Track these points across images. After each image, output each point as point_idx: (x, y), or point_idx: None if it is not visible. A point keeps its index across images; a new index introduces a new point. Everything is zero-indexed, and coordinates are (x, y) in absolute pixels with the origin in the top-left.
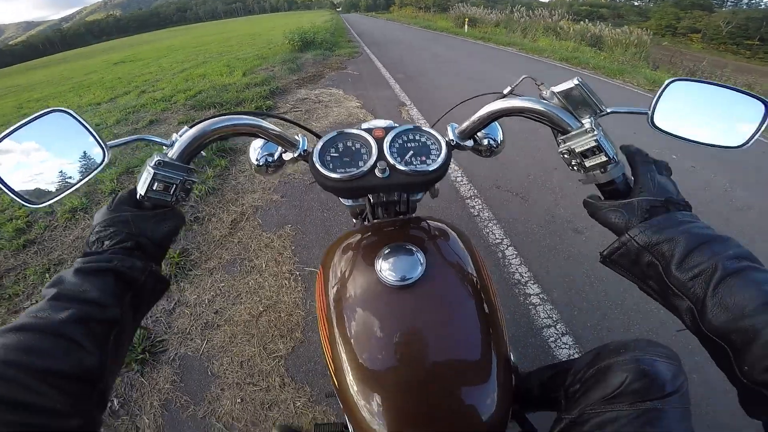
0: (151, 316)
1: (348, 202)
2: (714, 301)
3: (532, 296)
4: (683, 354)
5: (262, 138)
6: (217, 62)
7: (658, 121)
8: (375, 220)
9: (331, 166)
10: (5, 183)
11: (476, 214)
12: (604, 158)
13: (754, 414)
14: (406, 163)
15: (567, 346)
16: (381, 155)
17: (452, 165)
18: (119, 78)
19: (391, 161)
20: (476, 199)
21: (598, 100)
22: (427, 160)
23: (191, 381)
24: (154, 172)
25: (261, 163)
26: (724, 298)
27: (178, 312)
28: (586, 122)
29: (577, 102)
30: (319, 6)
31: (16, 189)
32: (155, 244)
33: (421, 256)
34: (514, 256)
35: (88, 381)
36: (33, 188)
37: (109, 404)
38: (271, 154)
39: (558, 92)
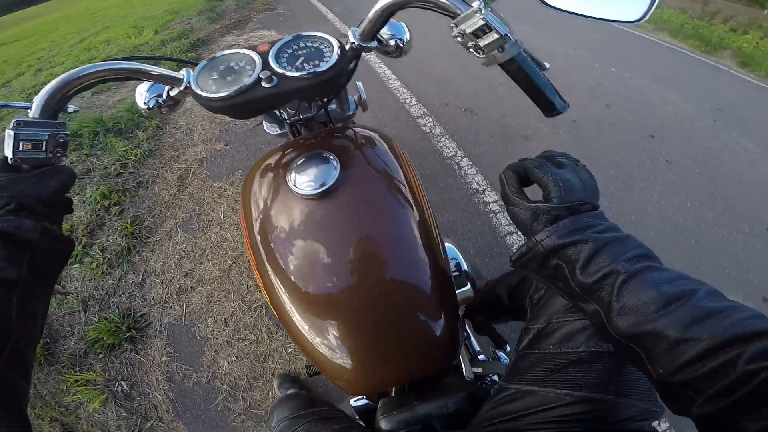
0: (123, 293)
1: (274, 131)
2: (618, 305)
3: (491, 203)
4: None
5: (144, 80)
6: (121, 25)
7: None
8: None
9: (214, 88)
10: None
11: (428, 131)
12: (495, 36)
13: (679, 411)
14: (297, 69)
15: None
16: (266, 66)
17: (400, 87)
18: (5, 61)
19: (278, 69)
20: (427, 117)
21: None
22: (321, 63)
23: (184, 349)
24: (14, 133)
25: (150, 106)
26: (627, 301)
27: (149, 282)
28: (475, 3)
29: None
30: None
31: None
32: (43, 203)
33: (336, 162)
34: (469, 166)
35: None
36: None
37: (120, 390)
38: (159, 95)
39: None
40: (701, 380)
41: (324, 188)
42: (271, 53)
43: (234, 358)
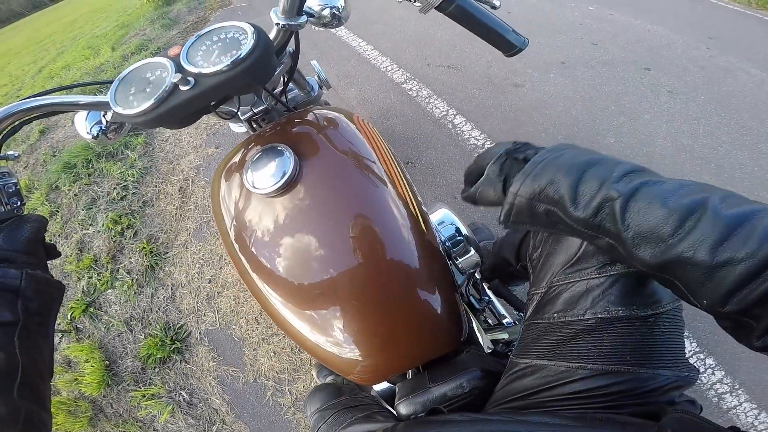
0: (159, 308)
1: (240, 129)
2: (630, 235)
3: None
4: None
5: (77, 111)
6: (74, 48)
7: None
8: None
9: (135, 104)
10: None
11: (415, 95)
12: None
13: (744, 341)
14: (214, 64)
15: None
16: (179, 69)
17: (378, 56)
18: None
19: (194, 69)
20: (411, 82)
21: None
22: (239, 51)
23: (226, 351)
24: None
25: (95, 134)
26: (637, 228)
27: (179, 295)
28: None
29: None
30: None
31: None
32: (21, 252)
33: (290, 153)
34: (464, 122)
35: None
36: None
37: (181, 399)
38: (99, 122)
39: None
40: (756, 306)
41: (281, 183)
42: (182, 55)
43: (272, 354)
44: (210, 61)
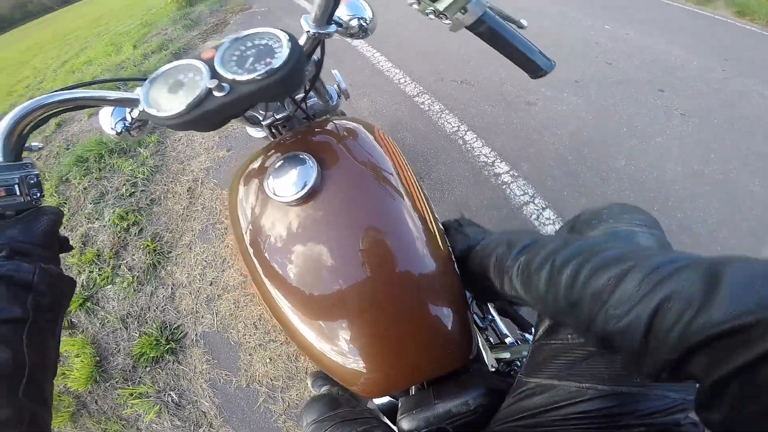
0: (157, 307)
1: (258, 134)
2: (537, 296)
3: (502, 175)
4: (684, 224)
5: (104, 106)
6: (98, 44)
7: None
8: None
9: (166, 106)
10: None
11: (427, 108)
12: None
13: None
14: (248, 71)
15: (551, 221)
16: (214, 74)
17: (392, 67)
18: None
19: (228, 75)
20: (424, 95)
21: None
22: (272, 60)
23: (221, 355)
24: None
25: (118, 131)
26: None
27: (179, 295)
28: None
29: None
30: None
31: None
32: (36, 245)
33: (312, 162)
34: (475, 139)
35: (5, 375)
36: None
37: (169, 400)
38: (124, 118)
39: None
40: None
41: (303, 192)
42: (216, 59)
43: (268, 360)
44: (245, 68)
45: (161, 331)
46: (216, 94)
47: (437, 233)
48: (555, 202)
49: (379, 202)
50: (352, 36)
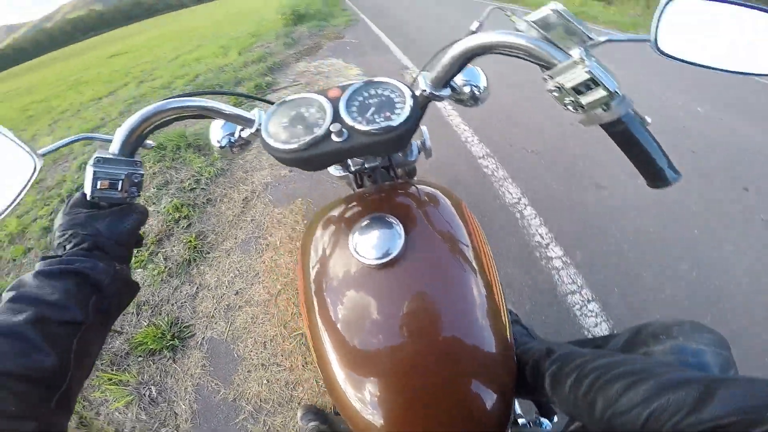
0: (176, 302)
1: (337, 173)
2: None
3: (554, 259)
4: (734, 338)
5: (216, 118)
6: (211, 45)
7: (665, 45)
8: (360, 189)
9: (283, 138)
10: None
11: (490, 173)
12: (602, 92)
13: None
14: (368, 122)
15: (593, 314)
16: (336, 117)
17: (461, 124)
18: (116, 71)
19: (349, 122)
20: (489, 158)
21: (584, 28)
22: (392, 115)
23: (219, 364)
24: (94, 170)
25: (222, 145)
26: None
27: (201, 296)
28: (575, 53)
29: (559, 31)
30: None
31: None
32: (116, 242)
33: (400, 229)
34: (533, 216)
35: (45, 383)
36: None
37: (148, 394)
38: (232, 134)
39: (533, 21)
40: None
41: (386, 259)
42: (341, 101)
43: (265, 381)
44: (365, 118)
45: (170, 326)
46: (334, 138)
47: (504, 315)
48: (603, 297)
49: (452, 280)
50: (460, 102)
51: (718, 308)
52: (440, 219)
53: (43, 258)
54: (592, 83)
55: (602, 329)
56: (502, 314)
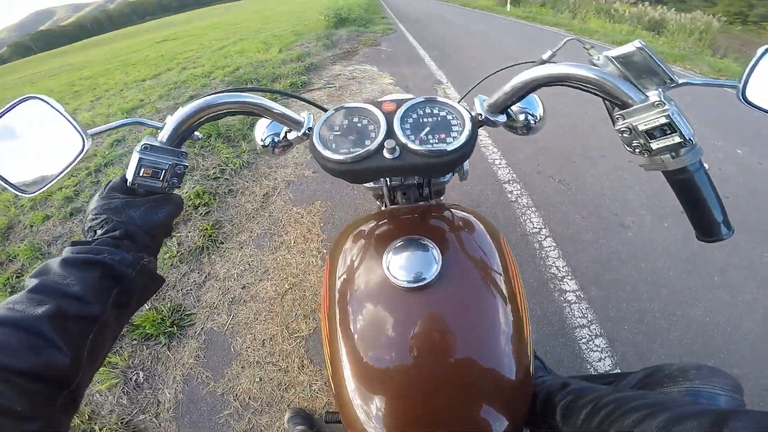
0: (182, 289)
1: (370, 183)
2: None
3: (568, 293)
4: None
5: (264, 117)
6: (254, 39)
7: (752, 95)
8: (393, 206)
9: (333, 146)
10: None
11: (514, 199)
12: (677, 139)
13: None
14: (421, 142)
15: (599, 349)
16: (390, 132)
17: (490, 145)
18: (162, 56)
19: (402, 139)
20: (515, 184)
21: (666, 69)
22: (447, 138)
23: (214, 357)
24: (140, 157)
25: (266, 144)
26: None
27: (208, 285)
28: (653, 94)
29: (639, 70)
30: None
31: (10, 180)
32: (147, 233)
33: (436, 253)
34: (552, 248)
35: (56, 381)
36: (21, 178)
37: (135, 378)
38: (277, 134)
39: (614, 57)
40: None
41: (419, 284)
42: (396, 116)
43: (257, 380)
44: (419, 137)
45: (171, 313)
46: (386, 154)
47: (530, 356)
48: (611, 334)
49: (482, 315)
50: (511, 129)
51: (725, 352)
52: (476, 247)
53: (73, 244)
54: (668, 128)
55: (605, 364)
56: (528, 348)
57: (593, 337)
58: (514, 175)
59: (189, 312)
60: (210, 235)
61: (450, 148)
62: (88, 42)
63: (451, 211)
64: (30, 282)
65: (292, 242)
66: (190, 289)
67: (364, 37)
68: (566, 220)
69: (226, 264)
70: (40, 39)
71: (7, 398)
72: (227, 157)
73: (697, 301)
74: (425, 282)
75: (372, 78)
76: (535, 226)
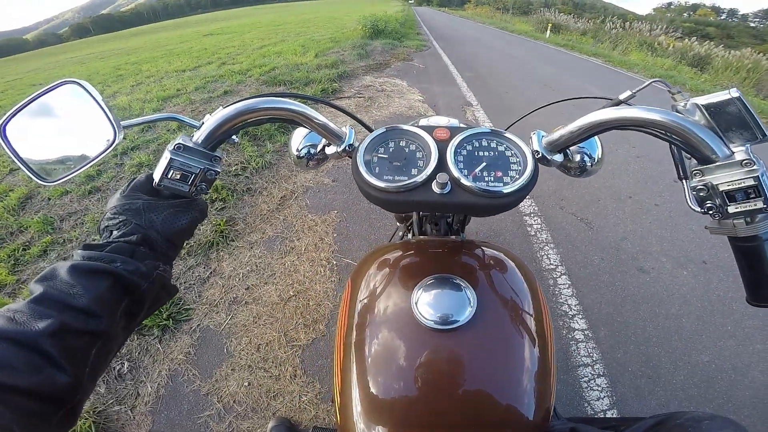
0: (185, 282)
1: None
2: None
3: (576, 331)
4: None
5: (304, 126)
6: (293, 41)
7: None
8: (421, 236)
9: (377, 170)
10: (21, 157)
11: (533, 233)
12: (760, 205)
13: None
14: (475, 178)
15: (599, 389)
16: (442, 164)
17: None
18: (205, 49)
19: (455, 173)
20: (535, 218)
21: (759, 122)
22: (505, 177)
23: (205, 356)
24: (171, 158)
25: (302, 155)
26: None
27: (212, 282)
28: (740, 151)
29: (728, 122)
30: None
31: (30, 164)
32: (166, 239)
33: (471, 295)
34: (567, 285)
35: (55, 400)
36: (45, 164)
37: (118, 368)
38: (314, 146)
39: (705, 105)
40: None
41: (450, 326)
42: (450, 147)
43: (246, 384)
44: (473, 173)
45: (169, 306)
46: (435, 189)
47: (551, 402)
48: (614, 375)
49: (511, 362)
50: (565, 170)
51: (726, 398)
52: (511, 291)
53: (85, 247)
54: (753, 191)
55: (602, 404)
56: (551, 397)
57: (595, 376)
58: (536, 208)
59: (188, 307)
60: (222, 231)
61: (507, 190)
62: (141, 29)
63: (483, 249)
64: (34, 288)
65: (303, 249)
66: (193, 284)
67: (397, 51)
68: (584, 260)
69: (234, 263)
70: (99, 23)
71: (5, 417)
72: (250, 155)
73: (706, 348)
74: (457, 324)
75: (401, 93)
76: (551, 262)
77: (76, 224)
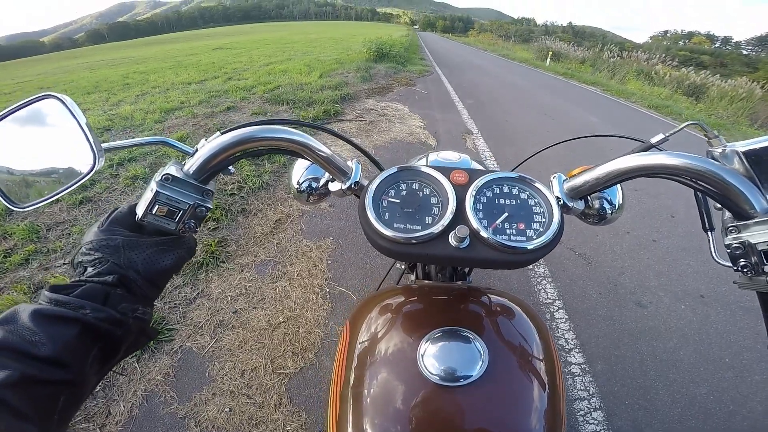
0: (170, 302)
1: None
2: None
3: (573, 365)
4: None
5: (307, 159)
6: (299, 61)
7: None
8: (425, 281)
9: (386, 216)
10: None
11: (530, 267)
12: None
13: None
14: (496, 231)
15: (595, 422)
16: (460, 213)
17: None
18: (213, 63)
19: (475, 224)
20: None
21: None
22: (528, 230)
23: (185, 378)
24: (157, 191)
25: (302, 189)
26: None
27: (198, 303)
28: None
29: (763, 170)
30: (397, 20)
31: (1, 187)
32: (147, 281)
33: (482, 349)
34: (564, 320)
35: None
36: (15, 187)
37: None
38: (316, 179)
39: (745, 152)
40: None
41: (459, 384)
42: (469, 193)
43: (227, 410)
44: (494, 225)
45: (152, 324)
46: (452, 242)
47: None
48: (611, 408)
49: (521, 420)
50: (583, 217)
51: (724, 430)
52: (523, 342)
53: (51, 289)
54: None
55: None
56: None
57: (592, 410)
58: None
59: (171, 327)
60: (213, 252)
61: (531, 246)
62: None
63: (489, 297)
64: None
65: (296, 275)
66: (178, 304)
67: (400, 75)
68: (582, 294)
69: (222, 284)
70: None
71: None
72: (248, 175)
73: (705, 381)
74: (468, 381)
75: (402, 118)
76: (549, 296)
77: (63, 234)
